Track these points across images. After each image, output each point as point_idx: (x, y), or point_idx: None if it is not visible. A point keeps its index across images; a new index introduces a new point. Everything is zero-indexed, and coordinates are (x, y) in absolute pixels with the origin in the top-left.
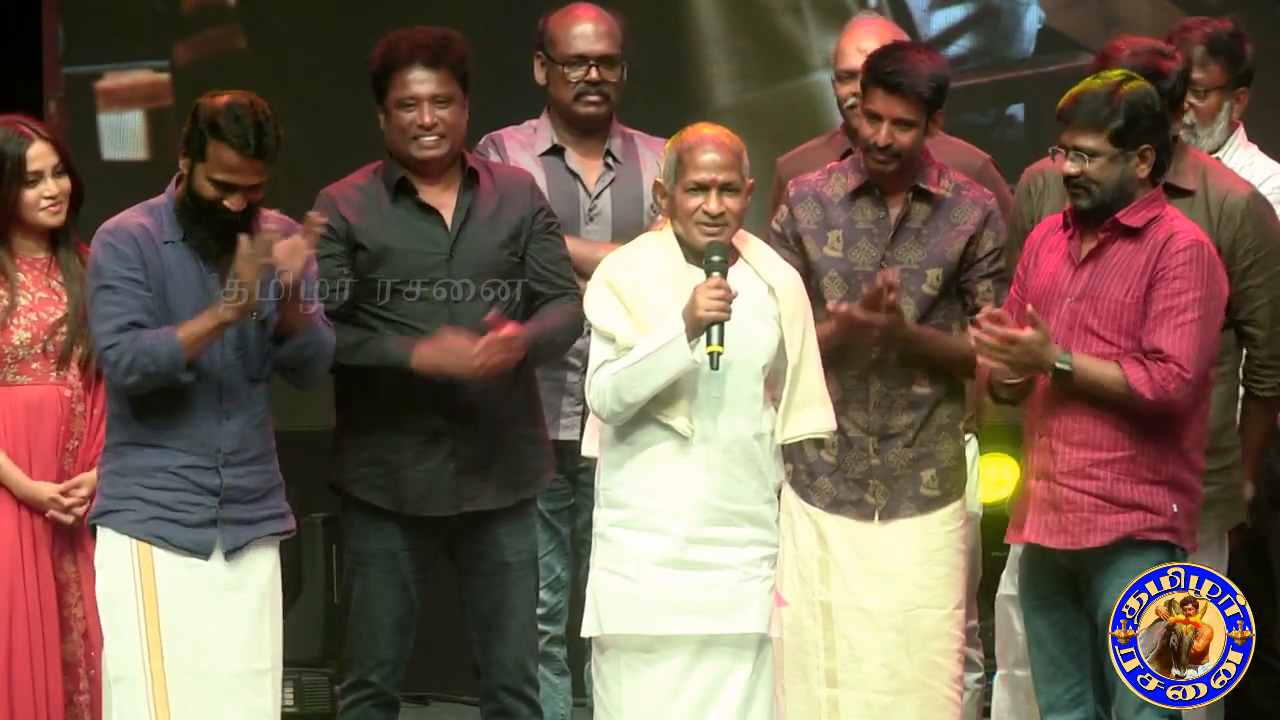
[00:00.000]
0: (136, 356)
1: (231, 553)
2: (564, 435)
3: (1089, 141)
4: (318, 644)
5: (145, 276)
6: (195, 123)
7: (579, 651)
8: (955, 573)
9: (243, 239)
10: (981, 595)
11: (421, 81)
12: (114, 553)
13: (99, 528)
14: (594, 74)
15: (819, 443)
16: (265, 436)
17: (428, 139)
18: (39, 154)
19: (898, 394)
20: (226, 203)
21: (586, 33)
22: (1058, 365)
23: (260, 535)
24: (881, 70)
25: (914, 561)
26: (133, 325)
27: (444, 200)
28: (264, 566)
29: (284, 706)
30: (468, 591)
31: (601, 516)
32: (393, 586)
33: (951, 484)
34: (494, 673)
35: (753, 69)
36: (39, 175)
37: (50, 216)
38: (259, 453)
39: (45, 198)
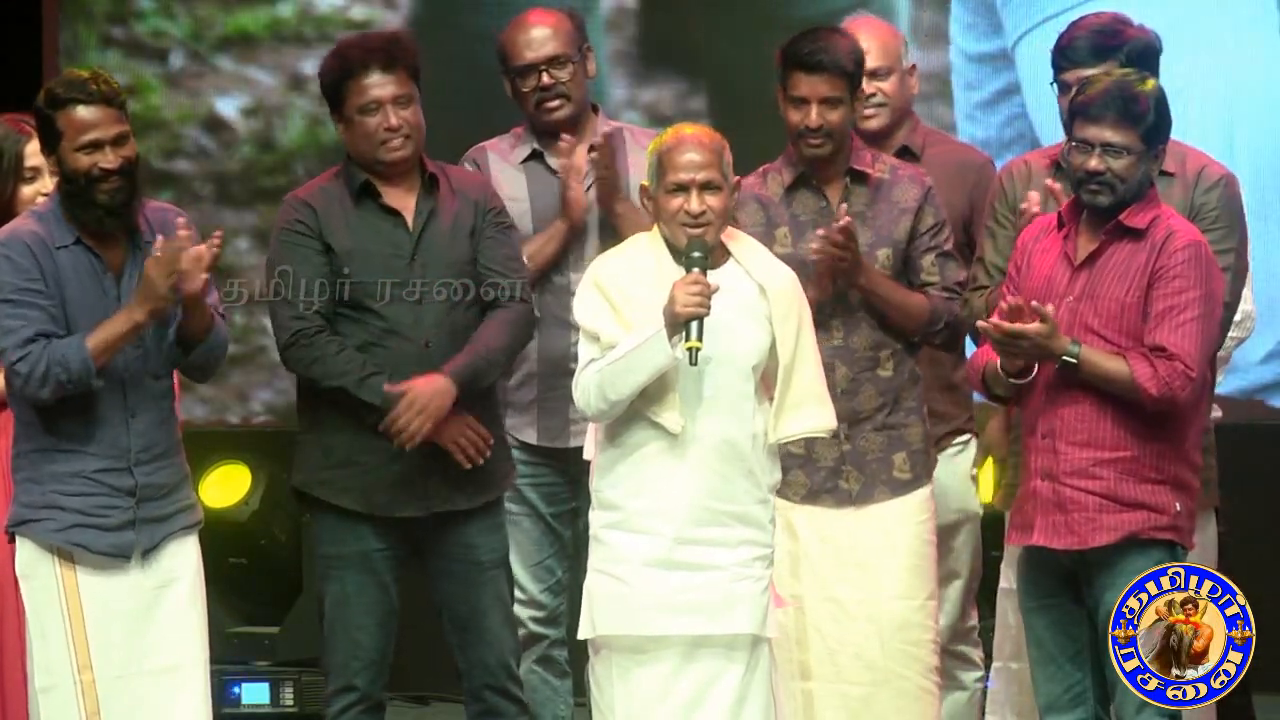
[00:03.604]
0: (49, 368)
1: (148, 551)
2: (574, 443)
3: (1119, 138)
4: (318, 644)
5: (45, 285)
6: (39, 118)
7: (580, 653)
8: (925, 563)
9: (160, 241)
10: (982, 595)
11: (382, 85)
12: (36, 563)
13: (19, 538)
14: (545, 79)
15: None
16: (170, 431)
17: (395, 141)
18: (37, 150)
19: (864, 378)
20: (103, 164)
21: (530, 40)
22: (1065, 358)
23: (173, 530)
24: (799, 52)
25: (884, 553)
26: (40, 336)
27: (405, 203)
28: (187, 559)
29: (284, 707)
30: (441, 595)
31: (595, 518)
32: (371, 587)
33: (922, 467)
34: (477, 674)
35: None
36: (36, 172)
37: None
38: (166, 448)
39: (42, 194)
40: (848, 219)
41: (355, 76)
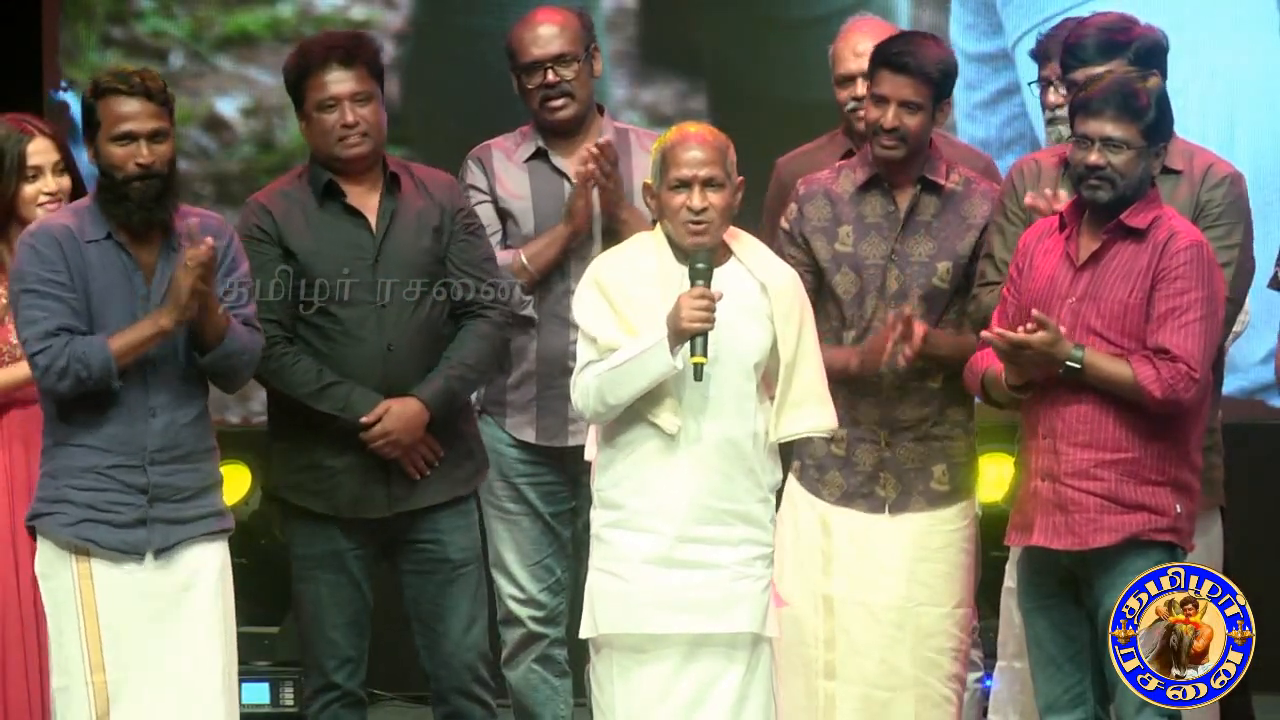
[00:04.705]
0: (70, 363)
1: (162, 552)
2: (571, 442)
3: (1120, 132)
4: None
5: (69, 278)
6: (84, 109)
7: (579, 653)
8: (958, 571)
9: (188, 252)
10: (982, 595)
11: (339, 81)
12: (52, 559)
13: (39, 536)
14: (550, 77)
15: (829, 437)
16: (199, 435)
17: (352, 138)
18: (39, 150)
19: (910, 386)
20: (138, 160)
21: (538, 37)
22: (1069, 363)
23: (193, 534)
24: (889, 52)
25: (916, 558)
26: (61, 330)
27: (368, 203)
28: (206, 565)
29: (284, 707)
30: (409, 591)
31: (596, 517)
32: (344, 586)
33: (961, 480)
34: (443, 676)
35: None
36: (38, 171)
37: (46, 215)
38: (189, 451)
39: (44, 194)
40: (919, 342)
41: (314, 73)
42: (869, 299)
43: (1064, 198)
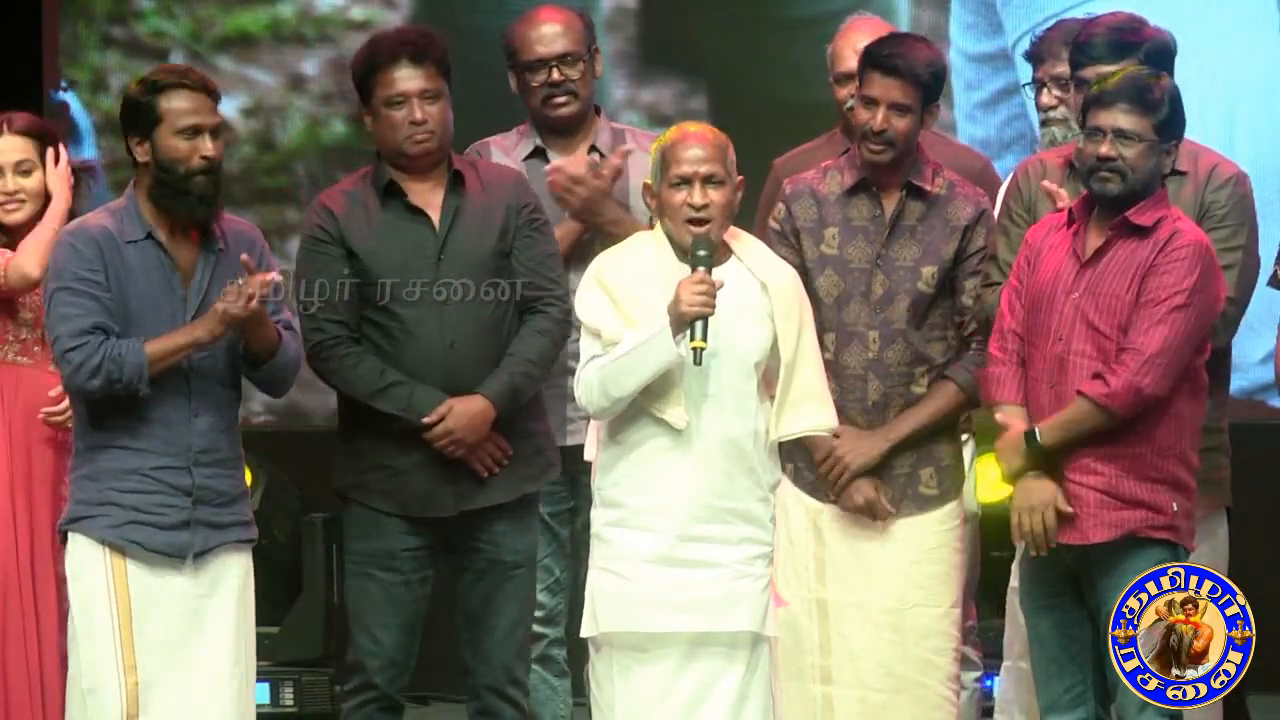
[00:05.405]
0: (103, 363)
1: (200, 555)
2: (570, 441)
3: (1132, 125)
4: (318, 644)
5: (106, 278)
6: (135, 106)
7: (579, 653)
8: (952, 571)
9: (252, 273)
10: (982, 595)
11: (409, 78)
12: (87, 562)
13: (71, 534)
14: (555, 75)
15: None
16: (234, 441)
17: (420, 135)
18: (2, 149)
19: (896, 393)
20: (203, 153)
21: (542, 35)
22: (1026, 435)
23: (228, 541)
24: (879, 54)
25: (910, 560)
26: (96, 328)
27: (432, 201)
28: (235, 572)
29: (284, 707)
30: (460, 587)
31: (597, 516)
32: (395, 587)
33: (950, 483)
34: (480, 672)
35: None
36: None
37: (4, 214)
38: (227, 455)
39: (2, 194)
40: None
41: (384, 69)
42: (852, 303)
43: (1065, 197)
